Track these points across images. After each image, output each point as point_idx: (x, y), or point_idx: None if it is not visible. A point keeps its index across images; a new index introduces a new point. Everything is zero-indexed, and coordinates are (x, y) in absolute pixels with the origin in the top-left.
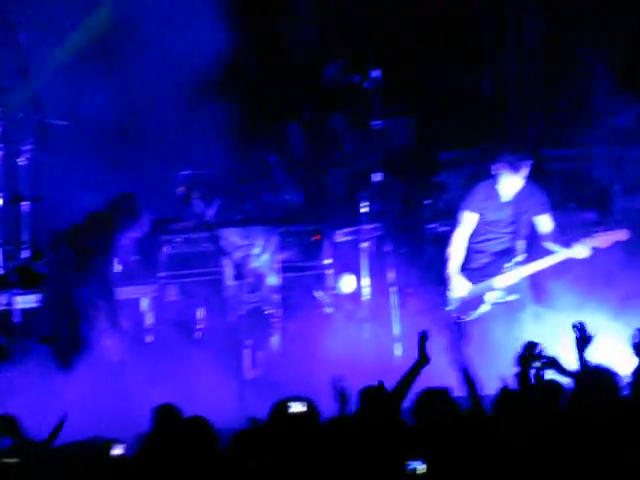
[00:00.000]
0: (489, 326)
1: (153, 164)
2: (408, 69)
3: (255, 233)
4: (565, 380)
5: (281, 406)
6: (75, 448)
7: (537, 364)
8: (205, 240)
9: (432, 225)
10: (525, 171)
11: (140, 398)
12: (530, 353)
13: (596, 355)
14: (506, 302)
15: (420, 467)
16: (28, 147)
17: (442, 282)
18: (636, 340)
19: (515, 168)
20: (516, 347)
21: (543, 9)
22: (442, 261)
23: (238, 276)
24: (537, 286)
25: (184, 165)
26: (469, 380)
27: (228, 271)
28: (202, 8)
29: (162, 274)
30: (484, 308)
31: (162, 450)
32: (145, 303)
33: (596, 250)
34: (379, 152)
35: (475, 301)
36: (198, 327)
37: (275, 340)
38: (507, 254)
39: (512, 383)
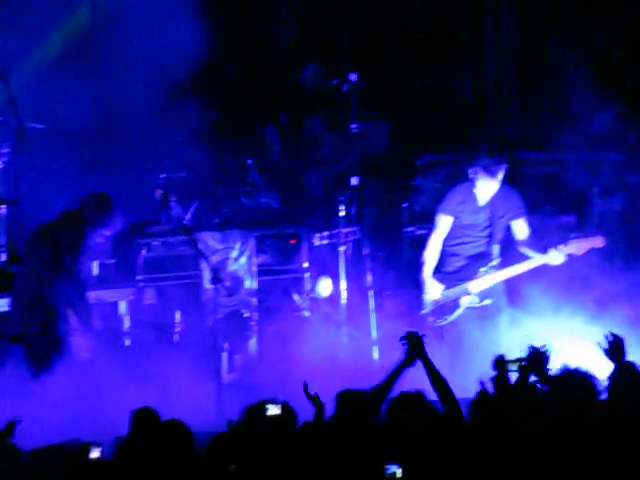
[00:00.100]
0: (465, 330)
1: (130, 167)
2: (386, 72)
3: (232, 236)
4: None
5: (256, 409)
6: (52, 451)
7: (514, 367)
8: (182, 243)
9: (410, 228)
10: (501, 175)
11: (118, 401)
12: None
13: (573, 359)
14: (481, 307)
15: (399, 471)
16: (6, 150)
17: (419, 285)
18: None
19: (491, 172)
20: (492, 351)
21: (519, 14)
22: (419, 264)
23: (215, 279)
24: (513, 290)
25: (161, 168)
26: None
27: (205, 274)
28: (179, 11)
29: (139, 277)
30: (459, 312)
31: (140, 453)
32: (123, 306)
33: (572, 254)
34: (357, 155)
35: (450, 305)
36: (176, 330)
37: (253, 343)
38: (482, 258)
39: (489, 386)
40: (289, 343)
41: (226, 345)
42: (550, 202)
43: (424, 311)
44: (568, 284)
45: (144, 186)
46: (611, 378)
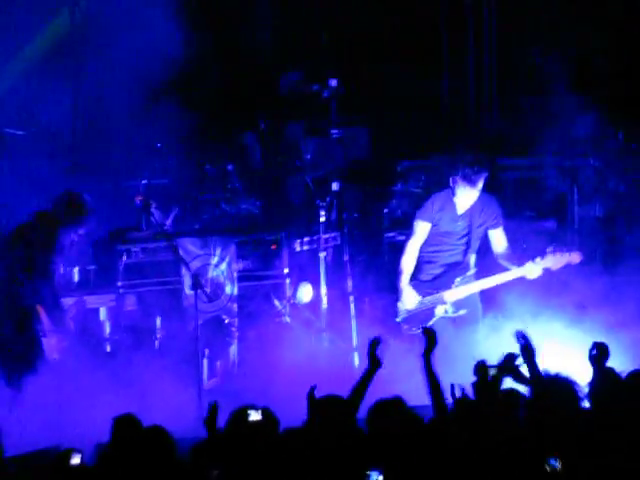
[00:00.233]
0: (442, 337)
1: (110, 173)
2: (366, 77)
3: (213, 242)
4: (523, 389)
5: (237, 415)
6: (33, 458)
7: (494, 372)
8: (163, 250)
9: (390, 234)
10: (481, 184)
11: (99, 407)
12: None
13: (552, 363)
14: (457, 316)
15: (380, 477)
16: None
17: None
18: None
19: (472, 182)
20: (472, 357)
21: (499, 18)
22: (398, 272)
23: (196, 285)
24: (492, 295)
25: (141, 174)
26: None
27: (186, 280)
28: (159, 17)
29: (120, 283)
30: (434, 321)
31: (121, 459)
32: (103, 312)
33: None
34: (337, 161)
35: (426, 313)
36: (156, 336)
37: (233, 349)
38: (458, 266)
39: (470, 392)
40: (270, 349)
41: (207, 351)
42: (529, 207)
43: (398, 319)
44: (547, 288)
45: (124, 192)
46: (592, 384)
